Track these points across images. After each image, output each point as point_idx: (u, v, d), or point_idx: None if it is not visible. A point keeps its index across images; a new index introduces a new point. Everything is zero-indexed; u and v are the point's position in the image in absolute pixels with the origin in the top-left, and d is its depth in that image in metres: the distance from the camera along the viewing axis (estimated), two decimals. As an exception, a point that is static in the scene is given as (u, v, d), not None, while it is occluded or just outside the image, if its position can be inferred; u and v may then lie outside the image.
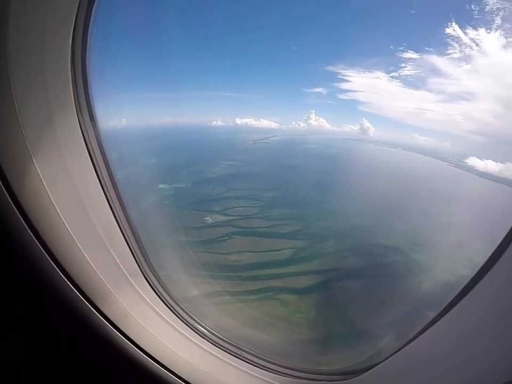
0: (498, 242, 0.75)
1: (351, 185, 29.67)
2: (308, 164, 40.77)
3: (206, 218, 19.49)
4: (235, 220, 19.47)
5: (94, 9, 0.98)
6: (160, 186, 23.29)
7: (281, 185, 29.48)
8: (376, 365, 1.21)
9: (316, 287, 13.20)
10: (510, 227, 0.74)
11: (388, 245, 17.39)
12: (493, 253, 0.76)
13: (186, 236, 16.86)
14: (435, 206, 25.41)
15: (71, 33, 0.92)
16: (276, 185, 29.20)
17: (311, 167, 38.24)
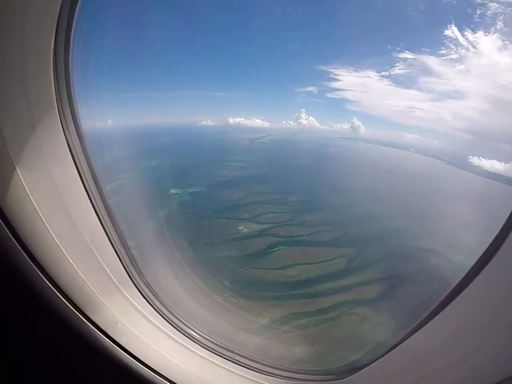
0: None
1: (366, 186, 29.89)
2: (313, 164, 40.84)
3: (240, 228, 18.24)
4: (271, 228, 18.44)
5: (77, 9, 0.91)
6: (173, 191, 21.63)
7: (299, 188, 28.96)
8: (368, 364, 1.17)
9: (383, 296, 12.72)
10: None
11: (425, 248, 17.48)
12: (483, 254, 0.74)
13: (228, 251, 15.58)
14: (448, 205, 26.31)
15: (53, 35, 0.85)
16: (294, 187, 28.61)
17: (318, 167, 38.33)
